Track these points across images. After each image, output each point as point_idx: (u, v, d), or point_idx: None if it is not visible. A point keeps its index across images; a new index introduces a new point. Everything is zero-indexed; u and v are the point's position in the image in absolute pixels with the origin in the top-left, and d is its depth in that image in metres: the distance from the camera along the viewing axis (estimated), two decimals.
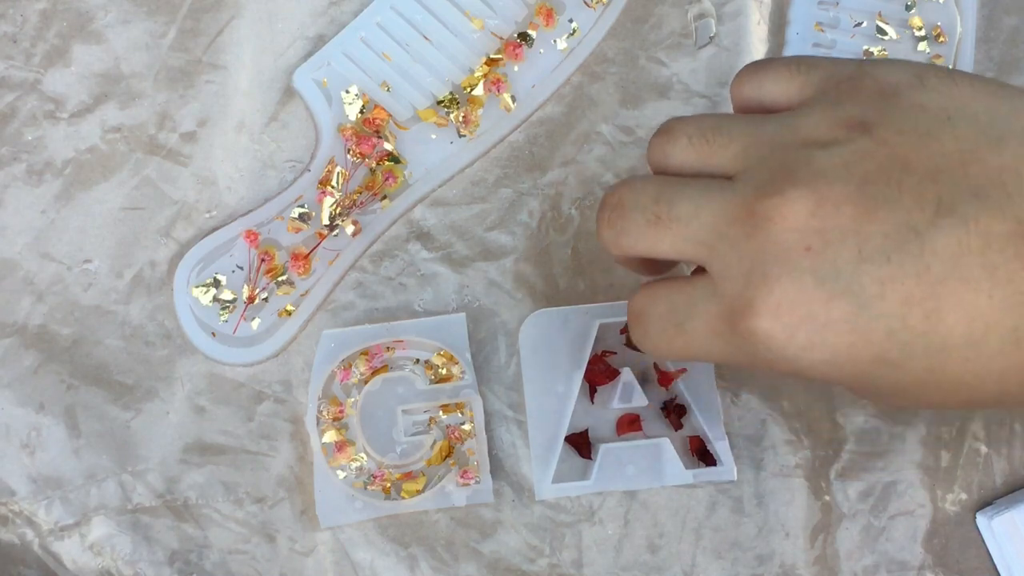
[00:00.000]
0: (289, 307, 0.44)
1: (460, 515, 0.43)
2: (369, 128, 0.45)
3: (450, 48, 0.45)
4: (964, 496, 0.44)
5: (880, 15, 0.46)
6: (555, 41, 0.46)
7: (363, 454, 0.43)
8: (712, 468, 0.43)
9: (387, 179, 0.45)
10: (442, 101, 0.45)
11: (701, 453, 0.43)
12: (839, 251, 0.30)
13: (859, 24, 0.46)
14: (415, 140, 0.45)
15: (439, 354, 0.44)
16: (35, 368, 0.44)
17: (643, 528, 0.43)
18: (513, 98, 0.45)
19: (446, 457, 0.43)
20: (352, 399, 0.43)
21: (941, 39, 0.45)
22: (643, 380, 0.43)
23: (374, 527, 0.43)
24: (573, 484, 0.43)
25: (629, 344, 0.43)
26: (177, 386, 0.44)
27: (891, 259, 0.30)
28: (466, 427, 0.43)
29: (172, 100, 0.45)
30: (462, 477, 0.42)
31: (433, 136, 0.45)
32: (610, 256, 0.36)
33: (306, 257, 0.44)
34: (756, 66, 0.36)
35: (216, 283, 0.44)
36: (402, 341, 0.44)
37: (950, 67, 0.45)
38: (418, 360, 0.44)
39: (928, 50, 0.45)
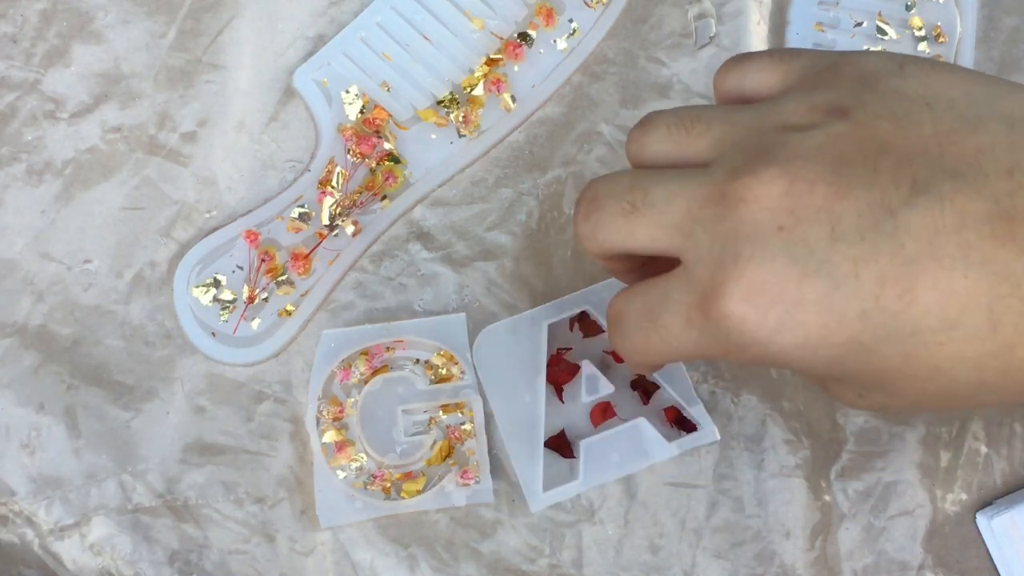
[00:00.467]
0: (289, 307, 0.44)
1: (460, 515, 0.43)
2: (369, 128, 0.45)
3: (450, 48, 0.45)
4: (964, 496, 0.44)
5: (880, 15, 0.46)
6: (555, 41, 0.46)
7: (363, 454, 0.43)
8: (694, 434, 0.43)
9: (387, 179, 0.45)
10: (442, 101, 0.45)
11: (679, 422, 0.43)
12: (812, 230, 0.30)
13: (859, 24, 0.46)
14: (415, 140, 0.45)
15: (439, 354, 0.44)
16: (35, 368, 0.44)
17: (643, 528, 0.43)
18: (513, 98, 0.45)
19: (446, 457, 0.43)
20: (352, 399, 0.43)
21: (941, 39, 0.45)
22: (604, 367, 0.43)
23: (374, 527, 0.43)
24: (563, 488, 0.43)
25: (586, 334, 0.43)
26: (177, 386, 0.44)
27: (865, 238, 0.29)
28: (466, 427, 0.43)
29: (172, 100, 0.45)
30: (462, 477, 0.42)
31: (433, 136, 0.45)
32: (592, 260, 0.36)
33: (306, 257, 0.44)
34: (738, 58, 0.36)
35: (216, 283, 0.44)
36: (402, 341, 0.44)
37: None
38: (418, 360, 0.44)
39: (928, 50, 0.45)
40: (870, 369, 0.31)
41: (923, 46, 0.45)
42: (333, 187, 0.44)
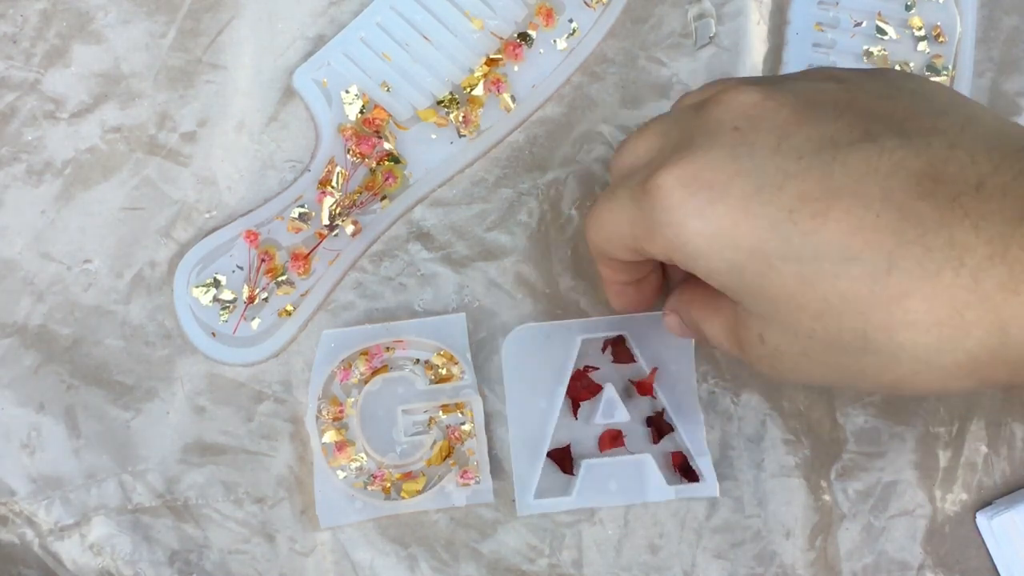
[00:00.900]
0: (289, 307, 0.44)
1: (460, 515, 0.43)
2: (369, 128, 0.45)
3: (450, 48, 0.45)
4: (964, 496, 0.44)
5: (880, 15, 0.46)
6: (555, 41, 0.46)
7: (363, 454, 0.43)
8: (694, 484, 0.43)
9: (387, 179, 0.45)
10: (442, 101, 0.45)
11: (684, 469, 0.43)
12: (762, 138, 0.32)
13: (859, 24, 0.46)
14: (415, 140, 0.45)
15: (439, 354, 0.44)
16: (35, 368, 0.44)
17: (643, 528, 0.43)
18: (513, 98, 0.45)
19: (446, 457, 0.43)
20: (352, 399, 0.43)
21: (941, 39, 0.45)
22: (626, 395, 0.43)
23: (374, 527, 0.43)
24: (555, 500, 0.43)
25: (617, 359, 0.44)
26: (177, 386, 0.44)
27: (802, 159, 0.31)
28: (466, 427, 0.43)
29: (172, 100, 0.45)
30: (462, 477, 0.42)
31: (433, 136, 0.45)
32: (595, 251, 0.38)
33: (306, 257, 0.44)
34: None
35: (216, 283, 0.44)
36: (402, 341, 0.44)
37: (950, 66, 0.45)
38: (418, 360, 0.44)
39: (928, 50, 0.45)
40: (766, 288, 0.32)
41: (923, 46, 0.45)
42: (333, 187, 0.44)
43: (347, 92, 0.45)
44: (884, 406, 0.44)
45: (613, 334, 0.44)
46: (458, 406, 0.43)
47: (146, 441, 0.44)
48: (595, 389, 0.43)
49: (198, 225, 0.45)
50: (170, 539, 0.43)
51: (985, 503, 0.44)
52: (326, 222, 0.44)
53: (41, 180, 0.45)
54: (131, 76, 0.46)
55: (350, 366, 0.43)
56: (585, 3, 0.46)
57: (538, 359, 0.43)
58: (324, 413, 0.43)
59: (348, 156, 0.45)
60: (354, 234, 0.44)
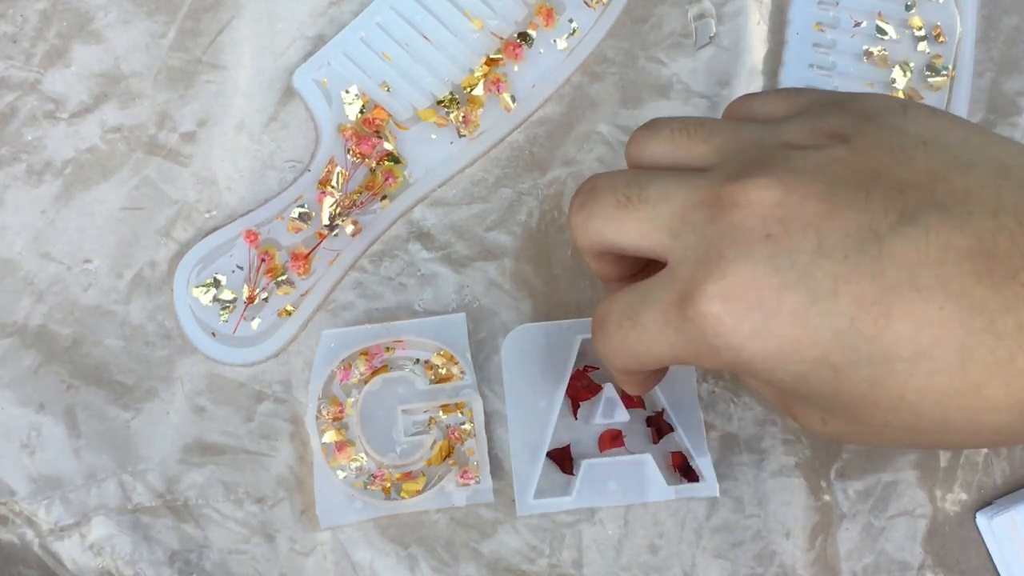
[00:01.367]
0: (289, 307, 0.44)
1: (460, 515, 0.43)
2: (369, 128, 0.45)
3: (450, 48, 0.45)
4: (964, 496, 0.44)
5: (880, 15, 0.46)
6: (555, 41, 0.46)
7: (363, 454, 0.43)
8: (694, 484, 0.43)
9: (387, 179, 0.45)
10: (442, 101, 0.45)
11: (683, 469, 0.43)
12: (798, 242, 0.30)
13: (859, 24, 0.46)
14: (415, 140, 0.45)
15: (439, 354, 0.44)
16: (35, 368, 0.44)
17: (643, 528, 0.43)
18: (513, 98, 0.45)
19: (446, 457, 0.43)
20: (352, 399, 0.43)
21: (941, 39, 0.45)
22: (625, 396, 0.43)
23: (374, 527, 0.43)
24: (554, 500, 0.43)
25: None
26: (177, 386, 0.44)
27: (848, 257, 0.30)
28: (466, 427, 0.43)
29: (172, 100, 0.45)
30: (462, 477, 0.42)
31: (433, 136, 0.45)
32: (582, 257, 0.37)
33: (306, 257, 0.44)
34: (749, 94, 0.37)
35: (216, 283, 0.44)
36: (402, 341, 0.44)
37: (950, 66, 0.45)
38: (418, 360, 0.44)
39: (928, 50, 0.45)
40: (836, 392, 0.31)
41: (923, 46, 0.45)
42: (333, 187, 0.44)
43: (347, 92, 0.45)
44: None
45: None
46: (458, 406, 0.43)
47: (146, 441, 0.44)
48: (595, 389, 0.43)
49: (198, 225, 0.45)
50: (170, 539, 0.43)
51: (985, 503, 0.44)
52: (326, 222, 0.44)
53: (41, 180, 0.45)
54: (131, 76, 0.46)
55: (350, 366, 0.43)
56: (585, 3, 0.46)
57: (538, 359, 0.43)
58: (324, 413, 0.43)
59: (348, 156, 0.45)
60: (354, 234, 0.44)
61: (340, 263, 0.44)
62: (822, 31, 0.46)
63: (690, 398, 0.43)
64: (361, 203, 0.45)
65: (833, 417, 0.32)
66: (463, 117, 0.45)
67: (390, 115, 0.45)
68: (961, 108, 0.45)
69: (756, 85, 0.46)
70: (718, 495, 0.43)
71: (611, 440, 0.43)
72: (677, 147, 0.34)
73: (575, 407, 0.44)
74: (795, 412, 0.34)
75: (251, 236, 0.44)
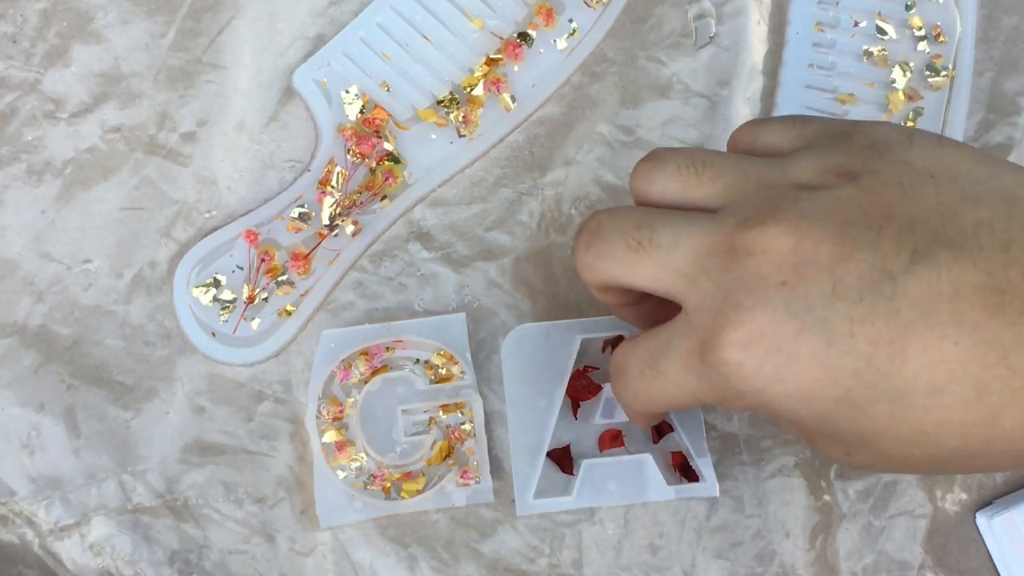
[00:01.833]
0: (289, 307, 0.44)
1: (460, 515, 0.43)
2: (369, 128, 0.45)
3: (450, 48, 0.45)
4: (964, 496, 0.44)
5: (880, 15, 0.46)
6: (555, 41, 0.46)
7: (363, 454, 0.43)
8: (694, 484, 0.43)
9: (387, 179, 0.45)
10: (442, 101, 0.45)
11: (683, 469, 0.43)
12: (813, 287, 0.31)
13: (859, 24, 0.46)
14: (415, 140, 0.45)
15: (439, 354, 0.44)
16: (35, 368, 0.44)
17: (643, 528, 0.43)
18: (513, 98, 0.45)
19: (446, 457, 0.43)
20: (352, 399, 0.43)
21: (941, 39, 0.45)
22: None
23: (374, 527, 0.43)
24: (554, 500, 0.43)
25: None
26: (177, 386, 0.44)
27: (863, 299, 0.30)
28: (466, 427, 0.43)
29: (172, 100, 0.45)
30: (462, 477, 0.42)
31: (433, 136, 0.45)
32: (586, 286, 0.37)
33: (306, 257, 0.44)
34: (753, 121, 0.37)
35: (216, 283, 0.44)
36: (402, 341, 0.44)
37: (950, 66, 0.45)
38: (418, 360, 0.44)
39: (928, 50, 0.45)
40: (858, 427, 0.31)
41: (923, 46, 0.45)
42: (333, 187, 0.44)
43: (347, 92, 0.45)
44: None
45: (613, 334, 0.43)
46: (458, 406, 0.43)
47: (146, 441, 0.44)
48: (595, 389, 0.43)
49: (198, 225, 0.45)
50: (170, 539, 0.43)
51: (985, 503, 0.44)
52: (326, 222, 0.44)
53: (41, 180, 0.45)
54: (131, 76, 0.46)
55: (350, 366, 0.43)
56: (585, 3, 0.46)
57: (538, 359, 0.43)
58: (324, 413, 0.43)
59: (348, 156, 0.45)
60: (354, 234, 0.44)
61: (340, 263, 0.44)
62: (822, 31, 0.46)
63: (691, 408, 0.43)
64: (361, 203, 0.45)
65: (856, 450, 0.33)
66: (463, 117, 0.45)
67: (390, 115, 0.45)
68: (961, 108, 0.45)
69: (756, 85, 0.46)
70: (718, 495, 0.43)
71: (611, 440, 0.43)
72: (685, 185, 0.34)
73: (575, 407, 0.44)
74: (819, 446, 0.34)
75: (251, 236, 0.44)
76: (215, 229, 0.45)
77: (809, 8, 0.46)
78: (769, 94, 0.46)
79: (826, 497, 0.44)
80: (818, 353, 0.30)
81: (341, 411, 0.43)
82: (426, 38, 0.45)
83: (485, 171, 0.46)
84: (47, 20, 0.46)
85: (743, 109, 0.46)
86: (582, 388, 0.43)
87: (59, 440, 0.43)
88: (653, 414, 0.37)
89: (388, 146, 0.45)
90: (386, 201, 0.45)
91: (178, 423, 0.44)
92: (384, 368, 0.44)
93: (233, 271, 0.44)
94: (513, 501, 0.43)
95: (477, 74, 0.45)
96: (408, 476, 0.43)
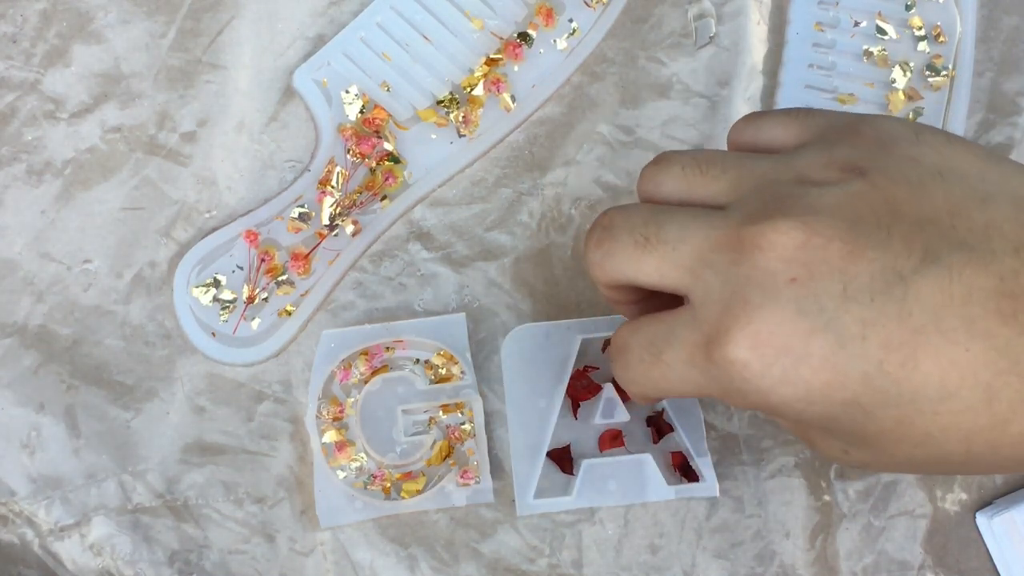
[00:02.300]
0: (289, 307, 0.44)
1: (460, 515, 0.43)
2: (369, 128, 0.45)
3: (450, 48, 0.45)
4: (964, 496, 0.44)
5: (880, 15, 0.46)
6: (555, 41, 0.46)
7: (363, 454, 0.43)
8: (694, 484, 0.43)
9: (387, 179, 0.45)
10: (442, 101, 0.45)
11: (683, 469, 0.43)
12: (824, 286, 0.30)
13: (859, 24, 0.46)
14: (415, 140, 0.45)
15: (439, 354, 0.44)
16: (35, 368, 0.44)
17: (643, 528, 0.43)
18: (513, 98, 0.45)
19: (446, 457, 0.43)
20: (352, 399, 0.43)
21: (941, 39, 0.45)
22: (624, 396, 0.43)
23: (374, 527, 0.43)
24: (554, 500, 0.43)
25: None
26: (177, 386, 0.44)
27: (875, 301, 0.30)
28: (466, 427, 0.43)
29: (172, 100, 0.45)
30: (462, 477, 0.42)
31: (433, 136, 0.45)
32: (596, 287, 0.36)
33: (306, 257, 0.44)
34: (754, 114, 0.37)
35: (216, 283, 0.44)
36: (402, 341, 0.44)
37: (950, 66, 0.45)
38: (418, 360, 0.44)
39: (928, 50, 0.45)
40: (863, 429, 0.31)
41: (923, 46, 0.45)
42: (333, 187, 0.44)
43: (347, 92, 0.45)
44: None
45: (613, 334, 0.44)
46: (458, 406, 0.43)
47: (146, 441, 0.44)
48: (595, 389, 0.43)
49: (198, 225, 0.45)
50: (170, 539, 0.43)
51: (985, 503, 0.44)
52: (326, 222, 0.44)
53: (41, 180, 0.45)
54: (131, 76, 0.46)
55: (350, 366, 0.43)
56: (585, 3, 0.46)
57: (538, 359, 0.43)
58: (324, 413, 0.43)
59: (348, 156, 0.45)
60: (354, 234, 0.44)
61: (340, 263, 0.44)
62: (822, 31, 0.46)
63: (691, 399, 0.43)
64: (361, 203, 0.45)
65: (856, 449, 0.32)
66: (463, 117, 0.45)
67: (390, 115, 0.45)
68: (961, 108, 0.45)
69: (756, 85, 0.46)
70: (718, 495, 0.43)
71: (611, 440, 0.43)
72: (690, 184, 0.34)
73: (575, 407, 0.44)
74: (816, 444, 0.34)
75: (251, 236, 0.44)
76: (215, 229, 0.45)
77: (809, 8, 0.46)
78: (769, 94, 0.46)
79: (826, 497, 0.44)
80: (829, 355, 0.30)
81: (341, 411, 0.43)
82: (426, 38, 0.45)
83: (485, 171, 0.46)
84: (47, 20, 0.46)
85: (743, 109, 0.46)
86: (582, 388, 0.43)
87: (59, 440, 0.43)
88: (650, 399, 0.36)
89: (388, 146, 0.45)
90: (386, 201, 0.45)
91: (178, 423, 0.44)
92: (384, 368, 0.44)
93: (233, 271, 0.44)
94: (513, 501, 0.43)
95: (477, 74, 0.45)
96: (408, 476, 0.43)
